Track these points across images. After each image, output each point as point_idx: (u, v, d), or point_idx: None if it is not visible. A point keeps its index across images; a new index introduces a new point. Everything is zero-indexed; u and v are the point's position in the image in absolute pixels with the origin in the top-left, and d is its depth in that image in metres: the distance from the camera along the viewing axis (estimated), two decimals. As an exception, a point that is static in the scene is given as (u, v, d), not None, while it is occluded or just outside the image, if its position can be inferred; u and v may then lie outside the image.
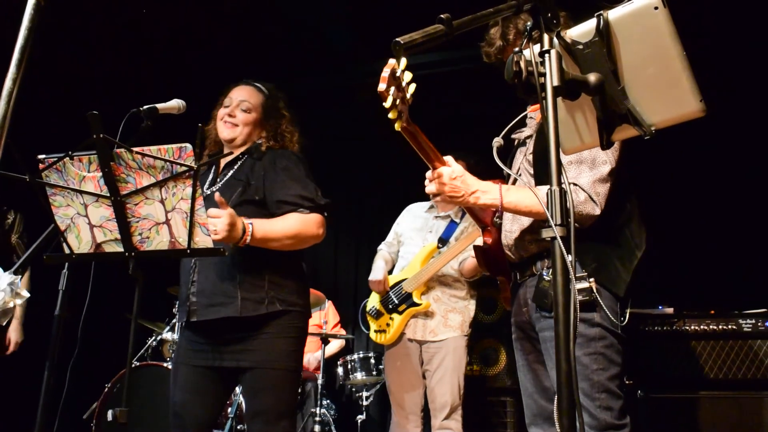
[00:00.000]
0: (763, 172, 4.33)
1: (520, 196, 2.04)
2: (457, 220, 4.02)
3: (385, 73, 1.49)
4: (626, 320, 2.07)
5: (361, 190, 6.19)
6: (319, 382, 4.47)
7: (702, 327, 3.23)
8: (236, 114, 2.59)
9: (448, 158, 2.08)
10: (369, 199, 6.11)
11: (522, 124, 2.35)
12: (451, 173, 2.03)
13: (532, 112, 2.29)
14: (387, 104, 1.56)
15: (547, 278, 2.09)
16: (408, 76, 1.60)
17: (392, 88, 1.54)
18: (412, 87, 1.63)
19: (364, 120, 5.72)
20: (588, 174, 2.03)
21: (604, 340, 2.04)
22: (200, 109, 2.71)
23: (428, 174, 2.08)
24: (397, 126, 1.71)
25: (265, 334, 2.40)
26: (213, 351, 2.42)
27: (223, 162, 2.62)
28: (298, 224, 2.42)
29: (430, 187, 2.08)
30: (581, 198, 2.00)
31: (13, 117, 1.27)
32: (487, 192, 2.05)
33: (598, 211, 2.01)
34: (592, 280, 1.98)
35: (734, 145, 4.41)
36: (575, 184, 2.02)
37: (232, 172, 2.57)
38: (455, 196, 2.05)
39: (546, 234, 1.19)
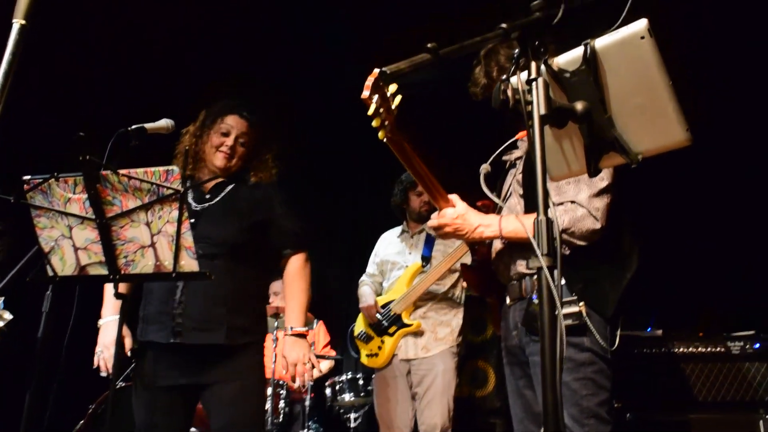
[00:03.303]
0: (751, 194, 4.35)
1: (519, 224, 2.05)
2: (432, 232, 4.05)
3: (369, 81, 1.48)
4: (616, 344, 2.06)
5: (353, 208, 6.17)
6: (307, 403, 4.43)
7: (690, 349, 3.22)
8: (236, 147, 2.65)
9: (454, 197, 2.14)
10: (361, 217, 6.09)
11: (513, 145, 2.35)
12: (453, 213, 2.10)
13: (520, 138, 2.30)
14: (370, 112, 1.55)
15: (536, 301, 2.06)
16: (393, 87, 1.59)
17: (376, 96, 1.53)
18: (398, 98, 1.63)
19: (356, 135, 5.71)
20: (586, 191, 2.03)
21: (594, 365, 2.02)
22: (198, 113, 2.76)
23: (433, 215, 2.17)
24: (380, 135, 1.71)
25: (236, 355, 2.45)
26: (177, 369, 2.42)
27: (211, 182, 2.68)
28: (304, 280, 2.70)
29: (435, 228, 2.17)
30: (579, 214, 2.00)
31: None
32: (489, 225, 2.10)
33: (598, 226, 1.99)
34: (582, 304, 1.96)
35: (723, 166, 4.44)
36: (574, 201, 2.02)
37: (224, 194, 2.64)
38: (460, 234, 2.12)
39: (533, 264, 1.18)
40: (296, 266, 2.69)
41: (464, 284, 3.97)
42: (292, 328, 2.58)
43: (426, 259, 3.99)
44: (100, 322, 2.55)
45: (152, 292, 2.52)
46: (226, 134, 2.64)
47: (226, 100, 2.76)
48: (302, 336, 2.59)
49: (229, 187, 2.66)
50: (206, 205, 2.59)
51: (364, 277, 4.33)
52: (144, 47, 4.97)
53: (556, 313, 1.13)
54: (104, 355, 2.44)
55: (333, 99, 5.82)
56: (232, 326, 2.44)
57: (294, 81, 5.56)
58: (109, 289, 2.61)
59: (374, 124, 1.61)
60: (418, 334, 3.89)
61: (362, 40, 5.06)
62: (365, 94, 1.48)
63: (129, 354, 2.51)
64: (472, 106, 2.35)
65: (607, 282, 2.04)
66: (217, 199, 2.61)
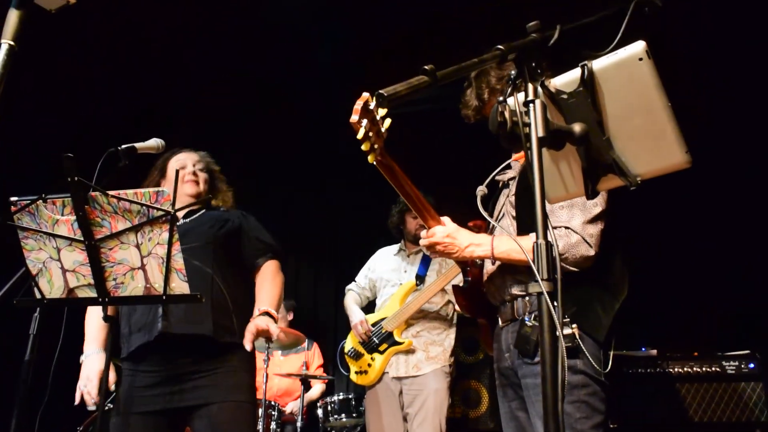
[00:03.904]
0: (744, 215, 4.35)
1: (512, 246, 2.04)
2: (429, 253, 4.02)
3: (358, 105, 1.47)
4: (609, 367, 2.03)
5: (340, 230, 6.16)
6: (299, 424, 4.38)
7: (686, 369, 3.21)
8: (198, 173, 2.80)
9: (445, 219, 2.14)
10: (348, 239, 6.08)
11: (506, 166, 2.34)
12: (443, 232, 2.11)
13: (515, 161, 2.29)
14: (359, 136, 1.54)
15: (529, 324, 2.05)
16: (382, 110, 1.58)
17: (365, 121, 1.52)
18: (388, 121, 1.62)
19: (344, 159, 5.71)
20: (579, 216, 2.02)
21: (588, 387, 1.99)
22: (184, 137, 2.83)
23: (422, 233, 2.17)
24: (370, 158, 1.70)
25: (223, 368, 2.41)
26: (166, 392, 2.36)
27: (182, 205, 2.70)
28: (278, 279, 2.70)
29: (427, 247, 2.17)
30: (573, 240, 1.99)
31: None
32: (480, 245, 2.10)
33: (592, 252, 1.99)
34: (574, 326, 1.95)
35: (714, 187, 4.44)
36: (568, 227, 2.01)
37: (197, 215, 2.74)
38: (451, 252, 2.13)
39: (533, 289, 1.16)
40: (270, 268, 2.71)
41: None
42: (259, 309, 2.50)
43: (420, 278, 3.98)
44: (83, 357, 2.49)
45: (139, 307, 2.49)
46: (183, 167, 2.77)
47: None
48: (269, 314, 2.49)
49: (202, 211, 2.77)
50: (180, 222, 2.62)
51: (352, 286, 4.31)
52: (142, 46, 4.94)
53: (557, 334, 1.11)
54: (88, 388, 2.37)
55: (315, 136, 5.81)
56: (217, 322, 2.41)
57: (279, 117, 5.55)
58: (90, 323, 2.58)
59: (363, 148, 1.60)
60: (410, 352, 3.86)
61: (361, 38, 5.04)
62: (354, 118, 1.47)
63: (113, 387, 2.46)
64: (459, 127, 2.35)
65: (599, 306, 2.03)
66: (189, 219, 2.70)
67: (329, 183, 6.06)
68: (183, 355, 2.37)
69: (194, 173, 2.78)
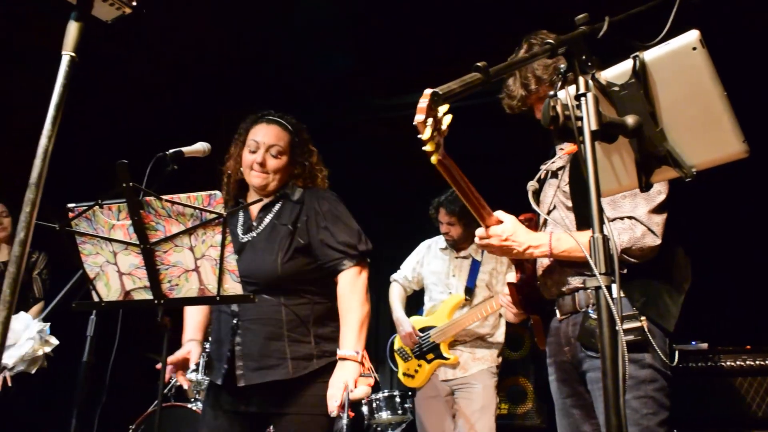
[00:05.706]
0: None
1: (571, 245, 2.01)
2: (479, 258, 3.98)
3: (422, 103, 1.42)
4: (676, 360, 2.00)
5: (379, 225, 6.16)
6: (344, 422, 4.40)
7: (738, 363, 3.14)
8: (267, 161, 2.47)
9: (499, 213, 2.09)
10: (385, 234, 6.07)
11: (552, 155, 2.31)
12: (501, 233, 2.05)
13: (565, 155, 2.25)
14: (425, 136, 1.50)
15: (593, 316, 2.01)
16: (444, 106, 1.55)
17: (430, 119, 1.49)
18: (448, 118, 1.59)
19: (376, 159, 5.70)
20: (644, 206, 1.98)
21: (655, 382, 1.96)
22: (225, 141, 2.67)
23: (479, 231, 2.10)
24: (433, 159, 1.65)
25: (301, 381, 2.35)
26: (245, 396, 2.36)
27: (257, 206, 2.53)
28: (354, 297, 2.39)
29: (483, 246, 2.13)
30: (639, 233, 1.95)
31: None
32: (538, 246, 2.05)
33: (658, 242, 1.95)
34: (643, 318, 1.91)
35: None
36: (632, 217, 1.98)
37: (270, 216, 2.49)
38: (507, 253, 2.09)
39: (591, 284, 1.15)
40: (345, 282, 2.40)
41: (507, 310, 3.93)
42: (340, 354, 2.33)
43: (469, 291, 3.94)
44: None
45: (214, 335, 2.48)
46: (254, 151, 2.47)
47: (255, 113, 2.61)
48: (347, 360, 2.33)
49: (276, 207, 2.51)
50: (253, 234, 2.47)
51: (397, 277, 4.29)
52: (152, 87, 5.02)
53: (617, 328, 1.10)
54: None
55: (338, 136, 5.79)
56: (296, 357, 2.33)
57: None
58: (188, 314, 2.61)
59: (429, 148, 1.56)
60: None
61: (365, 76, 5.05)
62: (420, 118, 1.42)
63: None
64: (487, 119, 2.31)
65: (667, 295, 1.99)
66: (263, 226, 2.48)
67: (356, 190, 6.06)
68: (261, 388, 2.35)
69: (262, 163, 2.45)
